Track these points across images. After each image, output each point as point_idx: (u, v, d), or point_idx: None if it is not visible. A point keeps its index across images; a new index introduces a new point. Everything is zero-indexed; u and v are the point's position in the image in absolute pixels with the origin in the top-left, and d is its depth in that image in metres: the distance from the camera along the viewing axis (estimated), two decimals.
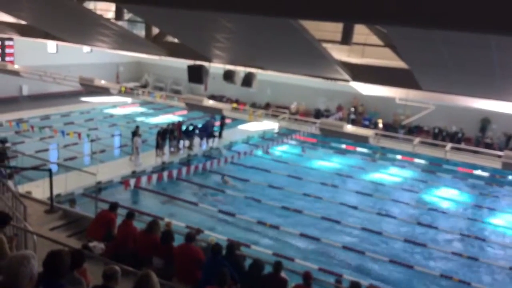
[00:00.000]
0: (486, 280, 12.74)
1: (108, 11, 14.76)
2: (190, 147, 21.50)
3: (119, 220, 9.55)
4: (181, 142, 21.22)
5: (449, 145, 23.07)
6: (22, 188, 13.18)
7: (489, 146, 24.65)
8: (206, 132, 22.48)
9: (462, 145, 24.41)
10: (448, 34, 6.52)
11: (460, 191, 19.87)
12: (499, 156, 20.85)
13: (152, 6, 6.52)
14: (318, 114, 29.53)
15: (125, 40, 14.14)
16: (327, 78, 12.26)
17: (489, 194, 19.76)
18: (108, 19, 13.21)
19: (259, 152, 22.07)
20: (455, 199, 18.90)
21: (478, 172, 22.12)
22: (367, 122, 27.95)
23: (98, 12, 13.49)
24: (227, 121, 25.69)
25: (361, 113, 29.25)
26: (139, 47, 14.39)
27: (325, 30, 10.36)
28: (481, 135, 26.04)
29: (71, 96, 30.52)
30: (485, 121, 26.03)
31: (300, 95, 30.44)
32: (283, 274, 8.01)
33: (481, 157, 22.92)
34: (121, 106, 30.41)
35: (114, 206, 9.81)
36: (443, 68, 8.78)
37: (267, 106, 31.61)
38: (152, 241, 8.57)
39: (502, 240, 15.38)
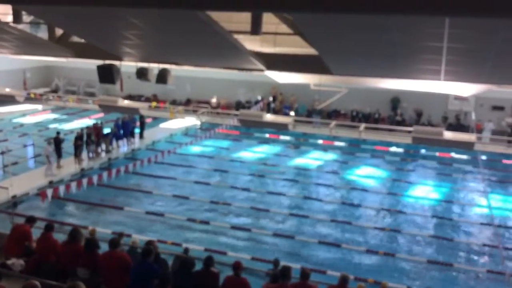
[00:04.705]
0: (410, 250, 13.49)
1: (6, 14, 13.84)
2: (108, 150, 20.75)
3: (38, 234, 9.02)
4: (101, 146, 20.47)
5: (363, 126, 24.24)
6: None
7: (400, 123, 26.12)
8: (127, 130, 21.85)
9: (376, 125, 25.75)
10: (350, 18, 6.78)
11: (378, 168, 20.86)
12: (409, 132, 22.34)
13: (42, 5, 6.16)
14: (239, 106, 29.67)
15: (27, 44, 13.35)
16: (243, 69, 12.36)
17: (404, 169, 20.95)
18: (6, 23, 12.43)
19: (183, 150, 21.78)
20: (374, 176, 19.84)
21: (394, 149, 23.40)
22: (287, 111, 28.54)
23: None
24: (148, 120, 25.10)
25: (281, 102, 29.77)
26: (43, 50, 13.66)
27: (237, 21, 10.41)
28: (393, 114, 27.49)
29: None
30: (395, 100, 27.53)
31: (221, 89, 30.40)
32: (214, 268, 7.98)
33: (394, 134, 24.39)
34: (32, 114, 28.67)
35: (29, 219, 9.30)
36: (350, 52, 9.14)
37: (187, 102, 31.30)
38: (75, 251, 8.17)
39: (420, 211, 16.36)
